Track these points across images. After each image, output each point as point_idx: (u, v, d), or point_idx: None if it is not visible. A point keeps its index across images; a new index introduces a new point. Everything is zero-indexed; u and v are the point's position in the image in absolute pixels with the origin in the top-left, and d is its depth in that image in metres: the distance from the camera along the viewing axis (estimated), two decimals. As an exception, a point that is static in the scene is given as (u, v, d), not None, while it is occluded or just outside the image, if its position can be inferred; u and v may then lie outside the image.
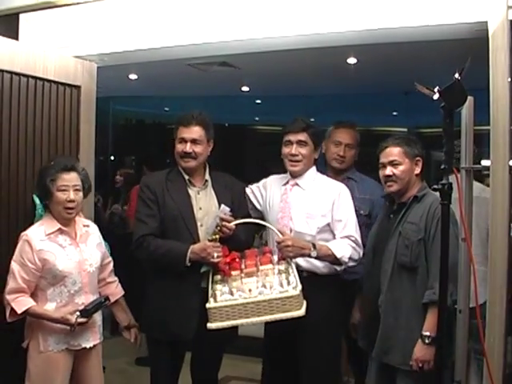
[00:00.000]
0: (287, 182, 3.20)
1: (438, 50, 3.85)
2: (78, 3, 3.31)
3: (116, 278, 3.13)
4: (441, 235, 2.08)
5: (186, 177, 3.11)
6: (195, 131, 3.05)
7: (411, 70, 4.77)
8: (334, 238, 3.06)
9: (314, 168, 3.21)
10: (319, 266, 3.01)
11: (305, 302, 2.71)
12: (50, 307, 2.75)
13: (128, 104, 8.56)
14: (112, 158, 8.90)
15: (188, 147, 3.03)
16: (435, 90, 1.99)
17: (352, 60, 5.07)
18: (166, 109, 8.88)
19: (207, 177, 3.15)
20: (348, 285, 3.18)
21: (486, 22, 2.63)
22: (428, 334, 2.61)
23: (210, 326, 2.68)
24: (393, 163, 2.88)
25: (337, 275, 3.07)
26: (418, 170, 2.90)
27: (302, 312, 2.64)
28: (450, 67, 2.10)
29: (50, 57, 3.43)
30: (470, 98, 2.61)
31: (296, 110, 6.25)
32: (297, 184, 3.16)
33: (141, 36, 3.53)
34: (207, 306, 2.71)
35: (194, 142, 3.04)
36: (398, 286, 2.75)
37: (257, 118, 9.12)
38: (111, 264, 3.12)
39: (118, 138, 9.12)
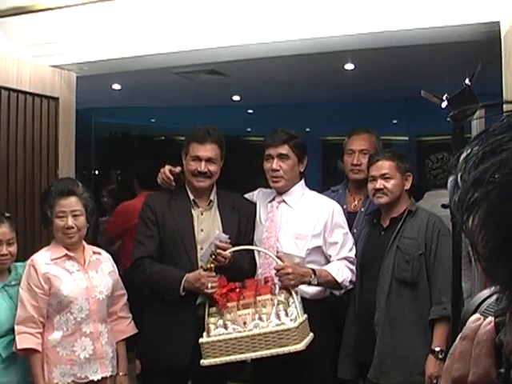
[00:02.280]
0: (273, 199, 3.16)
1: (443, 53, 3.83)
2: (54, 8, 3.26)
3: (130, 315, 3.11)
4: (452, 252, 2.08)
5: (191, 196, 3.09)
6: (211, 149, 3.02)
7: (413, 76, 4.80)
8: (326, 259, 3.03)
9: (301, 183, 3.16)
10: (308, 290, 2.97)
11: (309, 336, 2.68)
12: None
13: (112, 116, 8.53)
14: (96, 172, 8.85)
15: (203, 166, 3.00)
16: (444, 97, 1.94)
17: (349, 66, 5.06)
18: (153, 120, 8.89)
19: (213, 196, 3.12)
20: (336, 309, 3.17)
21: (498, 23, 2.59)
22: (439, 349, 2.65)
23: (203, 362, 2.68)
24: (384, 177, 2.92)
25: (324, 300, 3.05)
26: (407, 186, 2.96)
27: (300, 346, 2.60)
28: (456, 72, 2.06)
29: (24, 66, 3.38)
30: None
31: (290, 119, 6.26)
32: (283, 201, 3.12)
33: (123, 43, 3.50)
34: (200, 340, 2.70)
35: (209, 160, 3.01)
36: (396, 302, 2.78)
37: (249, 129, 9.14)
38: (125, 298, 3.10)
39: (102, 151, 9.09)
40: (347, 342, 3.03)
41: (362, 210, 3.37)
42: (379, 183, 2.91)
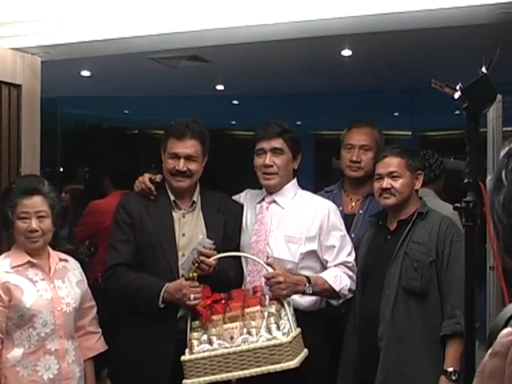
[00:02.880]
0: (263, 199, 3.17)
1: (453, 38, 3.83)
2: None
3: (99, 330, 3.10)
4: (465, 261, 2.07)
5: (172, 197, 3.09)
6: (190, 146, 3.02)
7: (417, 64, 4.82)
8: (322, 264, 3.05)
9: (294, 181, 3.19)
10: (301, 301, 2.98)
11: (303, 352, 2.68)
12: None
13: (80, 106, 8.47)
14: (61, 169, 8.78)
15: (181, 165, 3.00)
16: (457, 87, 1.93)
17: (346, 52, 5.03)
18: (126, 111, 8.84)
19: (196, 197, 3.12)
20: (336, 320, 3.19)
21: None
22: (452, 369, 2.65)
23: (186, 382, 2.66)
24: (392, 175, 2.94)
25: (320, 311, 3.07)
26: (418, 186, 2.99)
27: (294, 363, 2.60)
28: (467, 60, 2.06)
29: (-19, 50, 3.34)
30: (498, 96, 2.55)
31: (279, 112, 6.26)
32: (274, 201, 3.14)
33: (94, 24, 3.47)
34: (182, 358, 2.69)
35: (188, 158, 3.02)
36: (403, 314, 2.79)
37: (233, 122, 9.15)
38: (94, 310, 3.09)
39: (69, 145, 9.04)
40: (347, 359, 3.04)
41: (361, 212, 3.39)
42: (386, 182, 2.93)
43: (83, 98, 7.81)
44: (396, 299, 2.81)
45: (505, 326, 0.70)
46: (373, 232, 3.11)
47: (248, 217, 3.18)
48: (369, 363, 2.85)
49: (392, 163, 2.95)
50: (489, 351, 0.67)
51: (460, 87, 1.96)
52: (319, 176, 8.83)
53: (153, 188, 3.07)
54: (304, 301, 2.98)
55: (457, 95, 1.98)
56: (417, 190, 3.01)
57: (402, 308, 2.80)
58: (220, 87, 6.90)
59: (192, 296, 2.81)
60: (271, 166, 3.08)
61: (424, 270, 2.78)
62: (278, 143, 3.08)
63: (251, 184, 3.37)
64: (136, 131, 9.71)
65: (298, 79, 6.11)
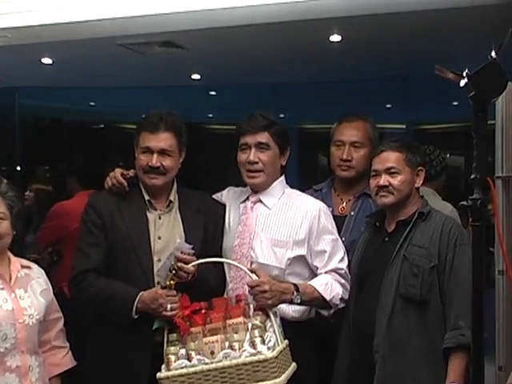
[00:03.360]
0: (247, 199, 3.17)
1: (454, 21, 3.81)
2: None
3: (67, 344, 3.09)
4: (473, 265, 2.06)
5: (146, 197, 3.09)
6: (164, 139, 3.03)
7: (413, 50, 4.81)
8: (311, 271, 3.06)
9: (282, 179, 3.19)
10: (288, 311, 2.99)
11: (291, 367, 2.68)
12: None
13: (40, 97, 8.40)
14: (18, 168, 8.70)
15: (154, 160, 3.02)
16: (463, 74, 1.92)
17: (335, 37, 5.01)
18: (92, 103, 8.79)
19: (173, 196, 3.12)
20: (326, 332, 3.19)
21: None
22: None
23: None
24: (390, 171, 2.95)
25: (308, 322, 3.07)
26: (419, 183, 3.00)
27: (280, 381, 2.59)
28: (471, 44, 2.04)
29: None
30: (509, 84, 2.55)
31: (261, 103, 6.25)
32: (260, 201, 3.14)
33: (57, 6, 3.44)
34: (158, 375, 2.67)
35: (162, 153, 3.02)
36: (401, 324, 2.80)
37: (210, 115, 9.14)
38: (61, 322, 3.07)
39: (28, 141, 8.95)
40: (340, 373, 3.05)
41: (352, 213, 3.41)
42: (384, 179, 2.93)
43: (44, 88, 7.74)
44: (393, 308, 2.81)
45: None
46: (369, 234, 3.11)
47: (231, 217, 3.18)
48: (363, 378, 2.86)
49: (390, 158, 2.95)
50: None
51: (467, 73, 1.95)
52: (304, 174, 8.85)
53: (125, 183, 3.07)
54: (291, 310, 2.98)
55: (463, 83, 1.97)
56: (418, 188, 3.01)
57: (400, 317, 2.80)
58: (196, 76, 6.84)
59: (169, 306, 2.80)
60: (256, 163, 3.07)
61: (425, 275, 2.78)
62: (263, 137, 3.07)
63: (230, 184, 3.36)
64: (102, 125, 9.65)
65: (282, 67, 6.09)
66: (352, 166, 3.43)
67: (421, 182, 3.01)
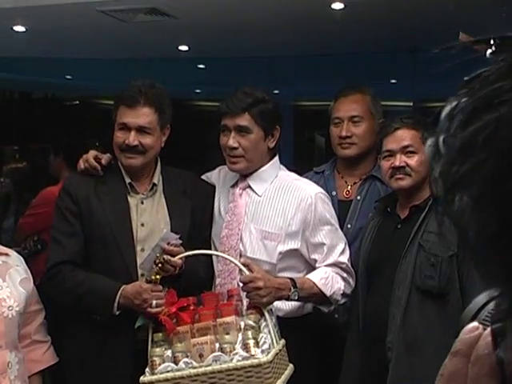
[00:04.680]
0: (236, 184, 3.14)
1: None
2: None
3: (48, 338, 3.04)
4: None
5: (127, 179, 3.05)
6: (143, 115, 2.97)
7: (422, 19, 4.77)
8: (306, 263, 3.03)
9: (274, 162, 3.13)
10: (282, 306, 2.98)
11: (288, 369, 2.67)
12: None
13: (10, 69, 8.35)
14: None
15: (132, 138, 2.96)
16: (491, 41, 1.85)
17: (337, 5, 5.01)
18: (68, 77, 8.79)
19: (156, 178, 3.09)
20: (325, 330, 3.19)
21: None
22: None
23: None
24: (406, 150, 2.92)
25: (303, 318, 3.06)
26: None
27: None
28: (495, 9, 1.98)
29: None
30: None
31: (254, 78, 6.19)
32: (249, 186, 3.10)
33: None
34: (141, 379, 2.65)
35: (140, 130, 2.98)
36: (417, 319, 2.80)
37: (198, 90, 9.14)
38: (42, 315, 3.02)
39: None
40: (349, 374, 3.03)
41: (358, 198, 3.39)
42: (399, 159, 2.90)
43: (16, 59, 7.70)
44: (408, 301, 2.79)
45: (472, 320, 0.71)
46: (379, 220, 3.08)
47: (220, 203, 3.14)
48: (376, 379, 2.85)
49: (405, 136, 2.92)
50: (451, 350, 0.69)
51: (495, 41, 1.89)
52: (299, 155, 8.84)
53: (99, 167, 3.04)
54: (285, 305, 2.96)
55: (490, 52, 1.91)
56: None
57: (416, 312, 2.79)
58: (183, 48, 6.84)
59: (154, 302, 2.78)
60: (235, 148, 3.01)
61: (443, 265, 2.74)
62: (243, 120, 2.99)
63: (217, 162, 3.32)
64: (76, 102, 9.63)
65: (278, 38, 6.06)
66: (353, 143, 3.39)
67: None
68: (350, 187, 3.43)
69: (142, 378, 2.65)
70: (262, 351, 2.60)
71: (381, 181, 3.36)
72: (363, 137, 3.38)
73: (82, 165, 3.07)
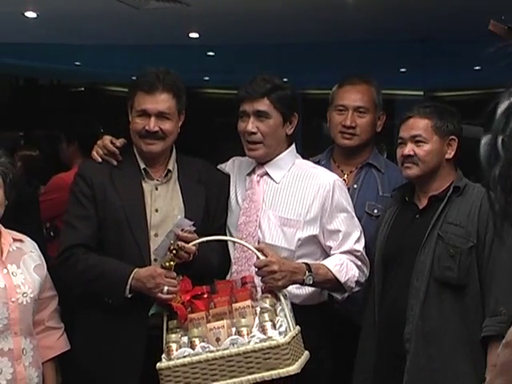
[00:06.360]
0: (253, 171, 3.12)
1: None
2: None
3: (62, 325, 3.04)
4: None
5: (142, 165, 3.04)
6: (162, 100, 2.96)
7: (434, 7, 4.76)
8: (324, 250, 3.02)
9: (291, 149, 3.13)
10: (298, 292, 2.96)
11: (304, 355, 2.65)
12: None
13: (20, 55, 8.36)
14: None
15: (152, 124, 2.94)
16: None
17: (348, -7, 5.02)
18: (77, 63, 8.77)
19: (171, 165, 3.07)
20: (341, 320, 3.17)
21: None
22: None
23: None
24: (415, 139, 2.90)
25: (320, 306, 3.05)
26: (450, 154, 2.93)
27: (294, 369, 2.55)
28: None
29: None
30: None
31: (264, 66, 6.18)
32: (267, 174, 3.09)
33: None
34: (158, 365, 2.63)
35: (160, 115, 2.97)
36: (435, 310, 2.76)
37: (206, 78, 9.09)
38: (56, 301, 3.03)
39: (3, 104, 8.96)
40: (364, 365, 3.01)
41: (355, 186, 3.36)
42: (408, 148, 2.88)
43: (28, 45, 7.71)
44: (427, 292, 2.77)
45: None
46: (397, 209, 3.05)
47: (237, 192, 3.13)
48: (392, 370, 2.83)
49: (416, 125, 2.90)
50: (503, 341, 0.67)
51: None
52: (307, 144, 8.81)
53: (117, 152, 3.03)
54: (301, 292, 2.95)
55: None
56: (448, 159, 2.93)
57: (435, 303, 2.76)
58: (194, 35, 6.86)
59: (166, 288, 2.76)
60: (254, 134, 3.01)
61: (462, 257, 2.73)
62: (262, 105, 2.99)
63: (226, 151, 3.33)
64: (82, 88, 9.65)
65: (288, 26, 6.07)
66: (356, 134, 3.36)
67: (453, 152, 2.92)
68: (346, 176, 3.40)
69: (158, 364, 2.63)
70: (280, 333, 2.58)
71: (377, 168, 3.40)
72: (365, 129, 3.38)
73: (99, 151, 3.07)
